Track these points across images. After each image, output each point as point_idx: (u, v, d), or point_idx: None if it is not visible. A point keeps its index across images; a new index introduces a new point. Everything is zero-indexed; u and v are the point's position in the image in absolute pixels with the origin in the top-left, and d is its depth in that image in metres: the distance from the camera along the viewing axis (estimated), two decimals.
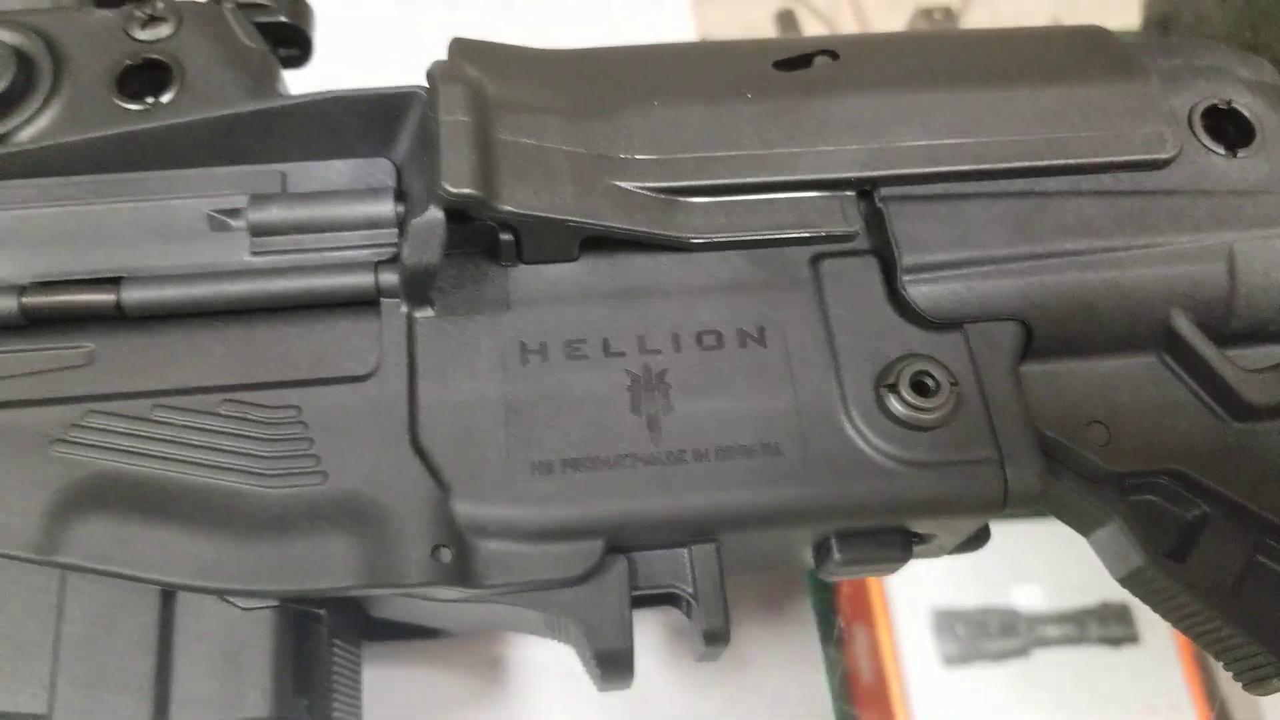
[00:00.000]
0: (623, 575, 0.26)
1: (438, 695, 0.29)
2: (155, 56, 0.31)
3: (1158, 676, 0.76)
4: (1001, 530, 0.30)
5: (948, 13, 0.91)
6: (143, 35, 0.32)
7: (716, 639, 0.25)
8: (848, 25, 0.92)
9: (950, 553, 0.29)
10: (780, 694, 0.33)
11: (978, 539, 0.29)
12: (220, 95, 0.31)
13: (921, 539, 0.28)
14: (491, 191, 0.26)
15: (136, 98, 0.31)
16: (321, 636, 0.26)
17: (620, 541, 0.26)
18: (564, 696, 0.33)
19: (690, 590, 0.26)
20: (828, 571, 0.27)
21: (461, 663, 0.33)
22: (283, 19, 0.34)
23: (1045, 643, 0.78)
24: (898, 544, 0.27)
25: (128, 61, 0.31)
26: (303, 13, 0.34)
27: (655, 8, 0.47)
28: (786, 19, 0.88)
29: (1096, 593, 0.81)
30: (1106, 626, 0.79)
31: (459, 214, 0.26)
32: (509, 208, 0.26)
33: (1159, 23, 0.94)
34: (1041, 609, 0.79)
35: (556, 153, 0.27)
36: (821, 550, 0.27)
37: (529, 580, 0.25)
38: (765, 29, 0.80)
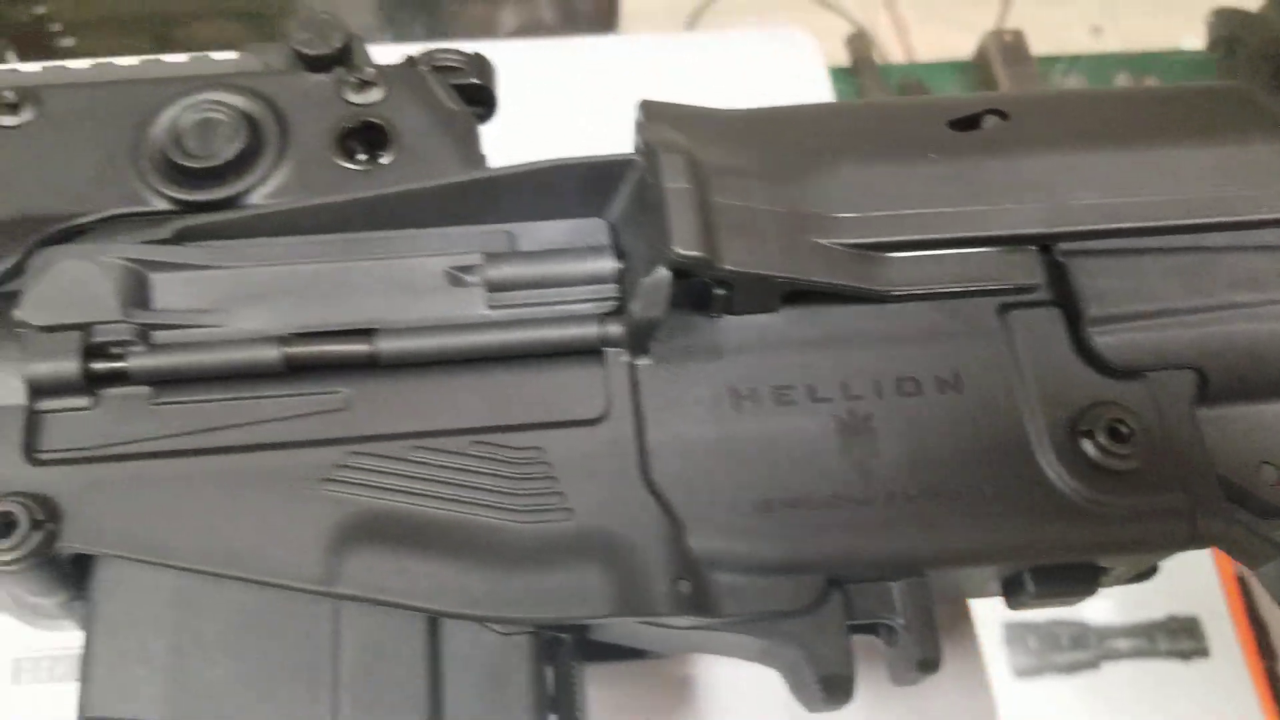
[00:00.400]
0: (840, 607, 0.28)
1: (629, 713, 0.31)
2: (372, 120, 0.34)
3: (1227, 690, 0.77)
4: None
5: (1018, 35, 0.93)
6: (356, 99, 0.35)
7: (928, 667, 0.28)
8: (887, 36, 0.94)
9: (1123, 584, 0.31)
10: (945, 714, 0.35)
11: (1151, 571, 0.31)
12: (433, 155, 0.33)
13: (1105, 572, 0.30)
14: (714, 252, 0.28)
15: (355, 159, 0.34)
16: (565, 659, 0.28)
17: (837, 576, 0.28)
18: (747, 714, 0.35)
19: (901, 622, 0.28)
20: (1020, 603, 0.30)
21: (650, 682, 0.35)
22: (474, 80, 0.36)
23: (1115, 656, 0.80)
24: (1087, 578, 0.29)
25: (345, 124, 0.34)
26: (488, 72, 0.37)
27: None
28: (858, 41, 0.91)
29: (1165, 607, 0.82)
30: (1176, 640, 0.81)
31: (681, 271, 0.29)
32: (730, 267, 0.28)
33: (1225, 44, 0.96)
34: (1112, 622, 0.81)
35: (762, 213, 0.30)
36: (1014, 583, 0.30)
37: (759, 611, 0.27)
38: None
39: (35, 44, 0.88)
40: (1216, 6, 0.95)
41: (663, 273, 0.28)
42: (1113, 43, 1.13)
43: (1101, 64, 1.00)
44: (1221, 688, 0.77)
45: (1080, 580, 0.29)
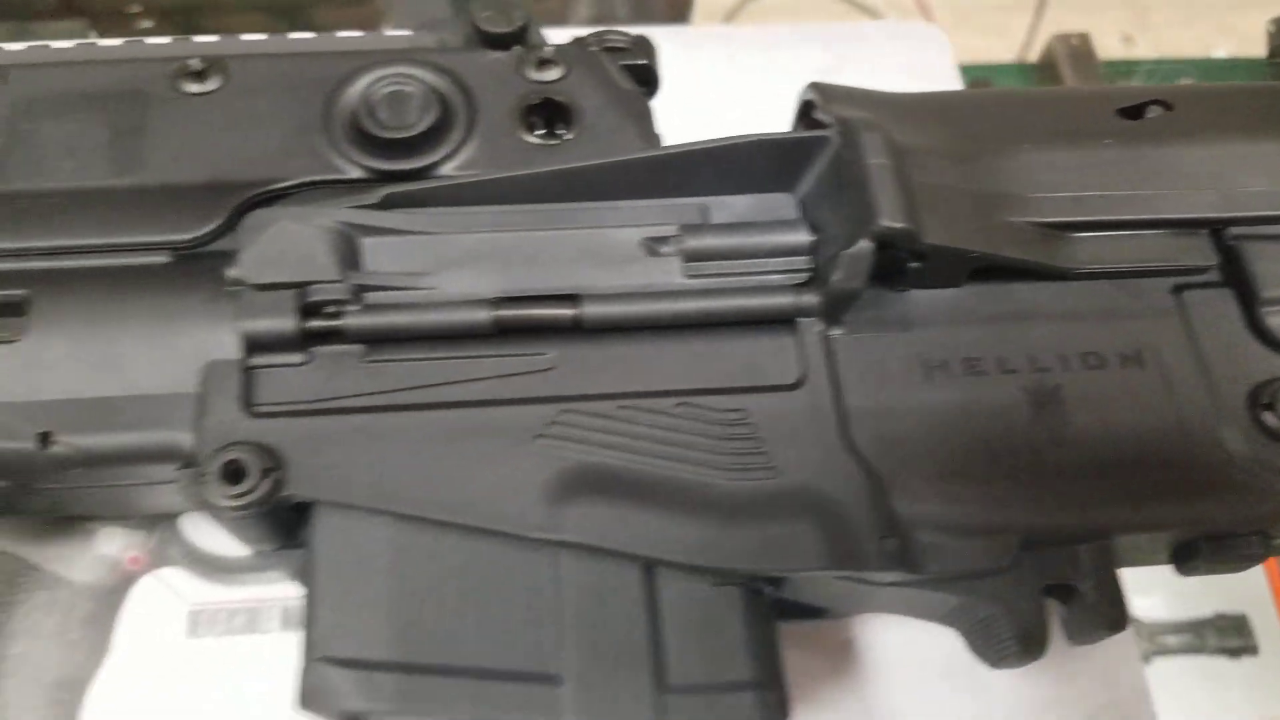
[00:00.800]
0: (1033, 567, 0.29)
1: (794, 674, 0.32)
2: (553, 96, 0.35)
3: (1276, 687, 0.78)
4: None
5: (1084, 38, 0.95)
6: (536, 76, 0.36)
7: (1117, 625, 0.29)
8: None
9: None
10: (1100, 685, 0.37)
11: None
12: (612, 132, 0.34)
13: (1274, 540, 0.31)
14: (918, 225, 0.29)
15: (538, 133, 0.35)
16: (766, 611, 0.29)
17: (1030, 538, 0.29)
18: (908, 678, 0.36)
19: (1090, 583, 0.29)
20: (1192, 569, 0.31)
21: (815, 645, 0.37)
22: (641, 61, 0.37)
23: (1165, 651, 0.81)
24: (1259, 546, 0.30)
25: (528, 100, 0.35)
26: (652, 54, 0.38)
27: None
28: None
29: (1215, 605, 0.83)
30: (1225, 637, 0.82)
31: (881, 244, 0.30)
32: (931, 240, 0.29)
33: None
34: (1162, 618, 0.81)
35: (955, 190, 0.31)
36: (1187, 551, 0.31)
37: (960, 570, 0.29)
38: None
39: (114, 26, 0.89)
40: (1276, 15, 0.96)
41: (866, 244, 0.29)
42: (1144, 51, 1.14)
43: (1160, 70, 1.01)
44: (1270, 684, 0.78)
45: (1253, 548, 0.30)
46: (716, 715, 0.28)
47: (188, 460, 0.31)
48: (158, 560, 0.38)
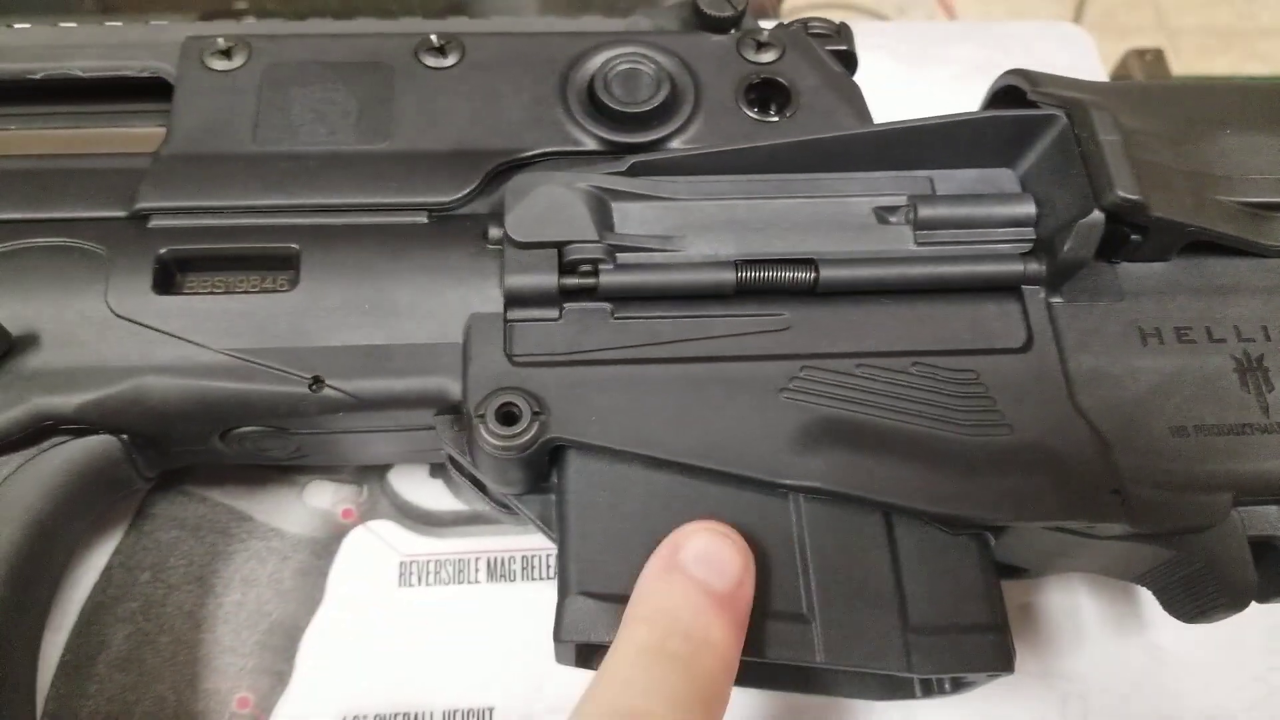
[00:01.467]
0: (1240, 525, 0.31)
1: None
2: (773, 77, 0.37)
3: None
4: None
5: (1159, 55, 0.97)
6: (755, 57, 0.38)
7: None
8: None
9: None
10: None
11: None
12: (828, 111, 0.37)
13: None
14: (1146, 199, 0.31)
15: (757, 111, 0.37)
16: (994, 561, 0.31)
17: (1240, 496, 0.31)
18: (1085, 638, 0.38)
19: None
20: None
21: None
22: (843, 47, 0.40)
23: None
24: None
25: (749, 80, 0.37)
26: (851, 39, 0.40)
27: None
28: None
29: None
30: None
31: (1110, 216, 0.32)
32: (1157, 214, 0.31)
33: None
34: None
35: (1173, 170, 0.33)
36: None
37: (1179, 524, 0.30)
38: None
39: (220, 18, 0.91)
40: None
41: (1098, 215, 0.31)
42: (1175, 71, 1.17)
43: None
44: None
45: None
46: (958, 654, 0.29)
47: (448, 406, 0.32)
48: (368, 514, 0.39)
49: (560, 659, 0.31)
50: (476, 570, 0.39)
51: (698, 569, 0.28)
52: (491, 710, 0.36)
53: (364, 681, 0.37)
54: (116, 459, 0.32)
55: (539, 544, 0.39)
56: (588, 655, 0.32)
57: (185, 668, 0.36)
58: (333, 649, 0.37)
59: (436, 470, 0.40)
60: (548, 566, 0.39)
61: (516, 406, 0.30)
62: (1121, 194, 0.31)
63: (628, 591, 0.29)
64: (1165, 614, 0.39)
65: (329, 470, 0.40)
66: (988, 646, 0.29)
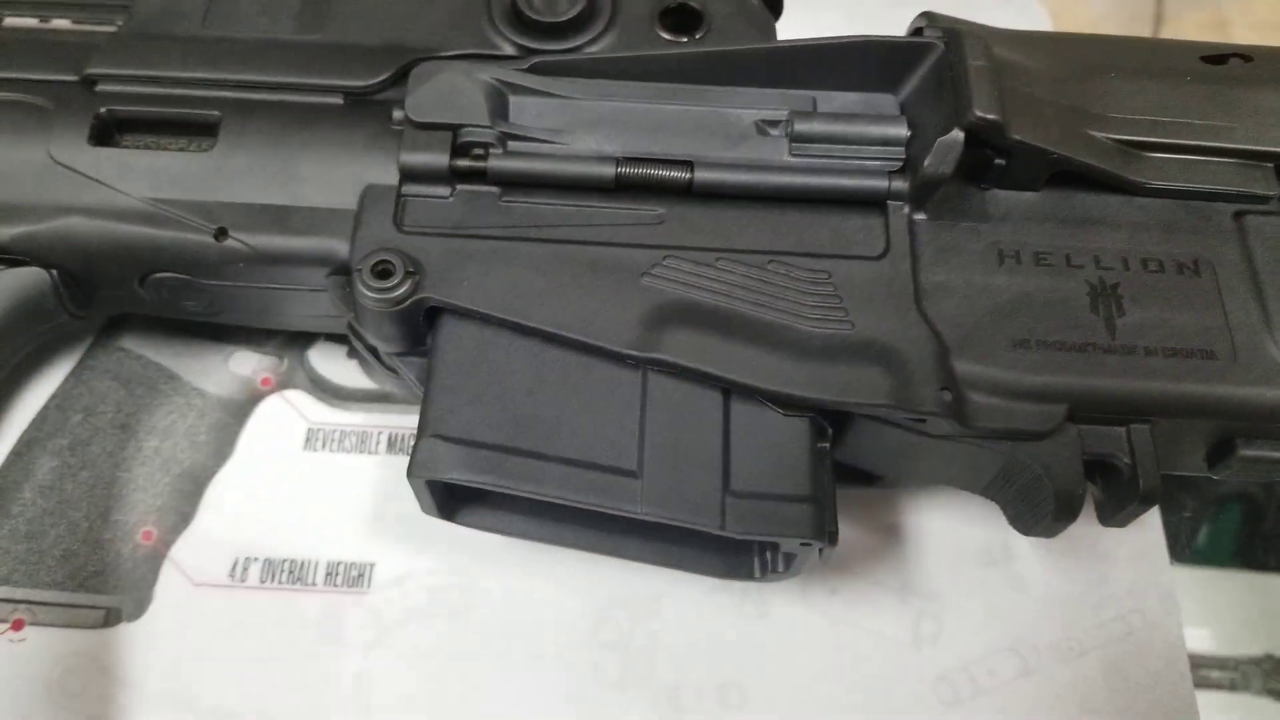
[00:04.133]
0: (1076, 438, 0.32)
1: (841, 548, 0.35)
2: (689, 3, 0.39)
3: None
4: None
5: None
6: None
7: (1150, 499, 0.31)
8: None
9: None
10: (1128, 590, 0.39)
11: None
12: (737, 40, 0.39)
13: None
14: (1006, 121, 0.33)
15: (670, 34, 0.39)
16: (827, 453, 0.33)
17: (1077, 411, 0.32)
18: (947, 562, 0.39)
19: (1127, 461, 0.32)
20: (1224, 467, 0.33)
21: (864, 523, 0.40)
22: None
23: (1208, 686, 0.81)
24: None
25: (665, 4, 0.39)
26: None
27: None
28: None
29: (1263, 646, 0.83)
30: (1271, 679, 0.81)
31: (971, 136, 0.33)
32: (1016, 136, 0.33)
33: None
34: (1209, 651, 0.81)
35: (1045, 101, 0.34)
36: (1221, 449, 0.33)
37: (1007, 429, 0.32)
38: None
39: None
40: None
41: (957, 134, 0.33)
42: None
43: None
44: None
45: None
46: (772, 520, 0.31)
47: (339, 268, 0.35)
48: (285, 384, 0.42)
49: (423, 507, 0.34)
50: (378, 443, 0.41)
51: None
52: (373, 565, 0.39)
53: (259, 529, 0.39)
54: (44, 290, 0.36)
55: None
56: (450, 507, 0.35)
57: (100, 501, 0.40)
58: (235, 498, 0.40)
59: (353, 352, 0.43)
60: None
61: (391, 264, 0.33)
62: (979, 113, 0.32)
63: (480, 438, 0.32)
64: (1034, 548, 0.40)
65: (255, 342, 0.43)
66: (803, 515, 0.31)
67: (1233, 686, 0.81)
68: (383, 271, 0.33)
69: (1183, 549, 0.44)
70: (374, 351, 0.37)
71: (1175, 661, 0.39)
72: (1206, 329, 0.33)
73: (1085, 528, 0.38)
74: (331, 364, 0.43)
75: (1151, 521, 0.41)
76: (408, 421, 0.42)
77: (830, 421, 0.33)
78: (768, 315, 0.33)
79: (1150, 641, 0.39)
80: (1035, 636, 0.39)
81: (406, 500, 0.40)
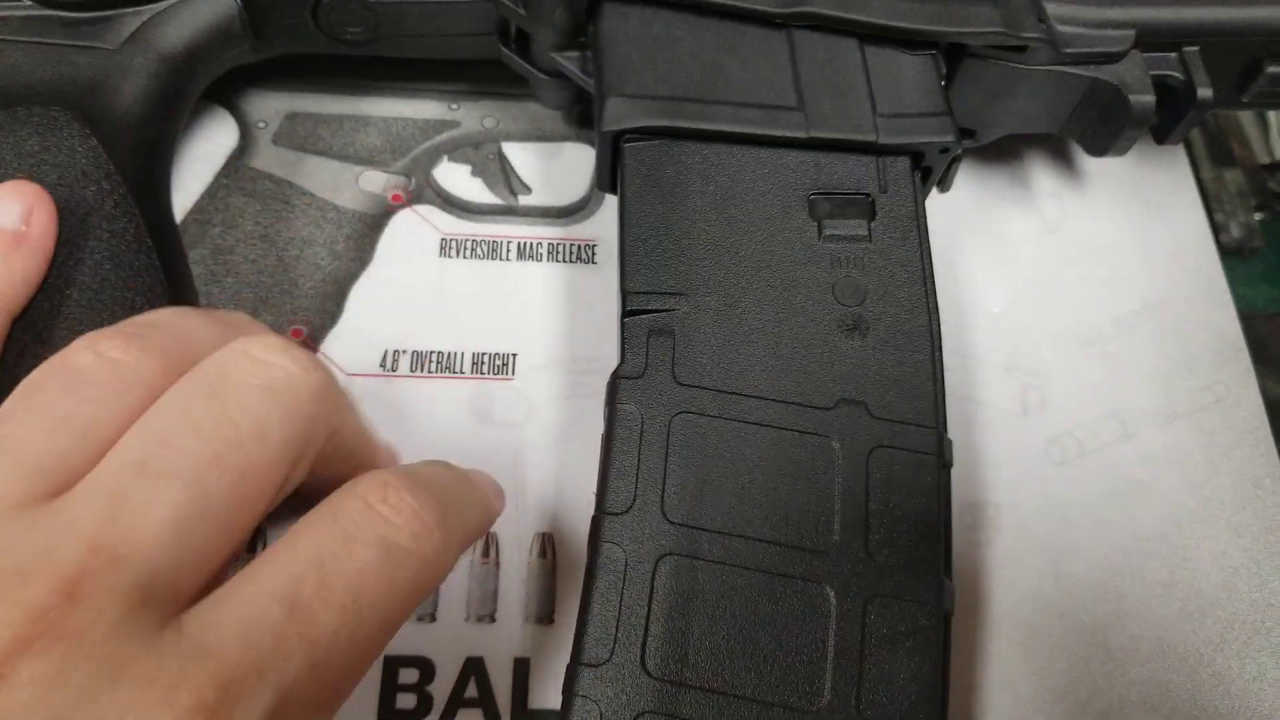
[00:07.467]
0: (1143, 60, 0.37)
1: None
2: None
3: None
4: None
5: None
6: None
7: (1204, 106, 0.37)
8: None
9: None
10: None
11: None
12: None
13: None
14: None
15: None
16: (940, 79, 0.37)
17: (1144, 34, 0.37)
18: (1048, 342, 0.43)
19: (1182, 76, 0.37)
20: (1255, 90, 0.38)
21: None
22: None
23: None
24: None
25: None
26: None
27: None
28: None
29: None
30: None
31: None
32: None
33: None
34: None
35: None
36: (1251, 70, 0.38)
37: (1090, 53, 0.37)
38: None
39: None
40: None
41: None
42: None
43: None
44: None
45: None
46: (917, 129, 0.35)
47: None
48: (415, 200, 0.44)
49: (599, 180, 0.37)
50: (508, 251, 0.43)
51: None
52: (515, 355, 0.41)
53: (405, 325, 0.41)
54: (232, 15, 0.38)
55: (565, 234, 0.44)
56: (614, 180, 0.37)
57: (246, 303, 0.41)
58: (379, 297, 0.42)
59: (477, 170, 0.45)
60: (571, 251, 0.44)
61: None
62: None
63: (655, 94, 0.35)
64: (1122, 332, 0.43)
65: (382, 162, 0.45)
66: (941, 124, 0.36)
67: None
68: None
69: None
70: (531, 63, 0.40)
71: (1257, 427, 0.43)
72: None
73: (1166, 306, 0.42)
74: (458, 180, 0.45)
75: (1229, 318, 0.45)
76: (536, 232, 0.44)
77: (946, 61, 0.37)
78: None
79: (1236, 408, 0.43)
80: (1132, 404, 0.42)
81: (544, 298, 0.42)
